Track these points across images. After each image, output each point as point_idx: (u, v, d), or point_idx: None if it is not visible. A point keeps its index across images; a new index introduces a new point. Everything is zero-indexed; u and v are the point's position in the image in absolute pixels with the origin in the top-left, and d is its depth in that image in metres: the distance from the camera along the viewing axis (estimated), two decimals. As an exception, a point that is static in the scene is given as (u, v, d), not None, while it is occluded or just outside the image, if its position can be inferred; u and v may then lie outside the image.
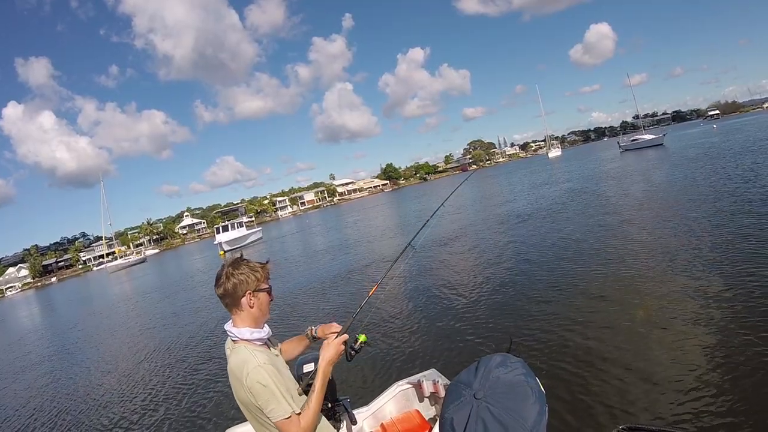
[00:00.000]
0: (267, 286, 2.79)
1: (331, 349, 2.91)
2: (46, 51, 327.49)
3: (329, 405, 3.16)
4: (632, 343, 7.88)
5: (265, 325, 2.85)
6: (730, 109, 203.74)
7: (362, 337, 3.19)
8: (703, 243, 12.87)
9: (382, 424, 4.57)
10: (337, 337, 3.02)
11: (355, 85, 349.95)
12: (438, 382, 4.62)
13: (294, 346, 3.39)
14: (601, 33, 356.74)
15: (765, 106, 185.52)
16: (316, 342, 3.29)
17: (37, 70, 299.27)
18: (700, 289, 9.60)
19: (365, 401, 4.76)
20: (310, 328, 3.40)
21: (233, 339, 2.73)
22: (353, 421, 3.56)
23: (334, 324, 3.30)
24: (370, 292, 3.75)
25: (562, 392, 6.68)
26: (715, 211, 16.64)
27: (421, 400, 4.83)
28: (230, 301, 2.67)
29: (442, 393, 4.48)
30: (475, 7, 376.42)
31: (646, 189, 27.07)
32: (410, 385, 4.87)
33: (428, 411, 4.70)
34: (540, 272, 13.37)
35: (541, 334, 9.04)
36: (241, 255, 2.85)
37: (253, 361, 2.52)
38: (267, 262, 2.91)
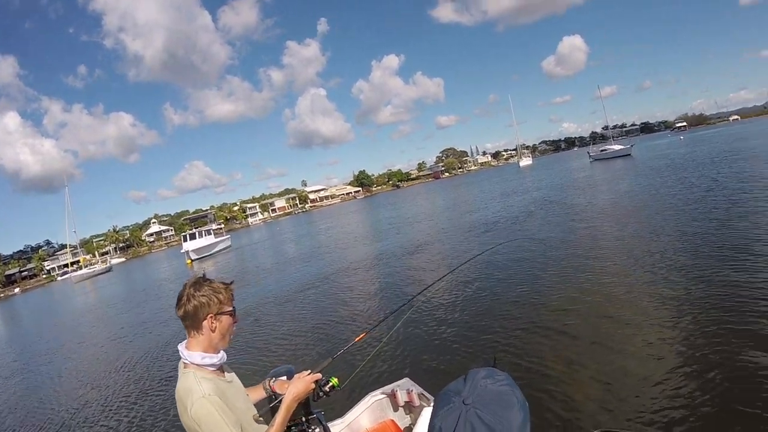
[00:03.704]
0: (230, 309, 2.68)
1: (300, 385, 2.86)
2: (13, 49, 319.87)
3: (303, 419, 3.09)
4: (606, 350, 8.07)
5: (222, 350, 2.74)
6: (697, 121, 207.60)
7: (334, 381, 3.12)
8: (668, 250, 13.30)
9: None
10: (310, 373, 2.99)
11: (329, 91, 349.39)
12: (412, 391, 4.63)
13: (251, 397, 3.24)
14: (573, 45, 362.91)
15: (731, 119, 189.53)
16: (275, 396, 3.16)
17: (2, 69, 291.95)
18: (669, 296, 9.90)
19: (339, 413, 4.69)
20: (268, 379, 3.30)
21: (184, 361, 2.62)
22: None
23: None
24: (357, 338, 3.71)
25: (543, 402, 6.78)
26: (679, 219, 17.22)
27: (395, 409, 4.81)
28: (191, 323, 2.56)
29: (417, 402, 4.55)
30: (450, 15, 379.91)
31: (613, 198, 27.65)
32: (384, 395, 4.84)
33: (403, 420, 4.71)
34: (512, 283, 13.46)
35: (521, 345, 9.11)
36: (204, 274, 2.74)
37: (198, 391, 2.41)
38: (231, 283, 2.79)
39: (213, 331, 2.59)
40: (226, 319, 2.65)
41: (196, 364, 2.56)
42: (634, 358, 7.61)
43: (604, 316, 9.59)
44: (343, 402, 6.61)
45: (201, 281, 2.63)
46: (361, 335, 3.77)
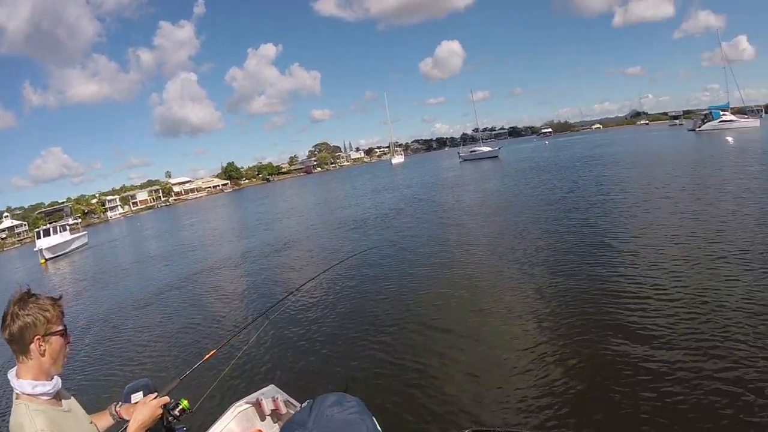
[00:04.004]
0: (60, 328, 2.30)
1: (146, 411, 2.60)
2: None
3: None
4: (476, 344, 8.19)
5: (56, 376, 2.36)
6: (562, 128, 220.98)
7: (184, 403, 2.87)
8: (531, 246, 13.91)
9: None
10: (156, 397, 2.74)
11: (201, 77, 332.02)
12: (277, 398, 4.54)
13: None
14: (451, 49, 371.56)
15: (593, 127, 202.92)
16: (122, 422, 2.83)
17: None
18: (532, 289, 10.39)
19: (204, 427, 4.49)
20: (115, 403, 2.96)
21: (15, 391, 2.25)
22: None
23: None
24: (206, 356, 3.55)
25: (415, 399, 6.65)
26: (541, 217, 18.15)
27: (262, 419, 4.66)
28: (18, 347, 2.20)
29: (284, 410, 4.45)
30: (332, 9, 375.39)
31: (480, 197, 28.68)
32: (249, 405, 4.70)
33: (271, 429, 4.56)
34: (380, 282, 13.26)
35: (391, 343, 8.94)
36: (29, 290, 2.33)
37: (30, 428, 2.11)
38: (59, 298, 2.39)
39: (42, 355, 2.24)
40: (56, 341, 2.30)
41: (28, 394, 2.22)
42: (502, 350, 7.79)
43: (472, 311, 9.75)
44: (207, 415, 6.20)
45: (26, 297, 2.27)
46: (212, 352, 3.68)
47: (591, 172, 31.82)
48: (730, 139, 43.49)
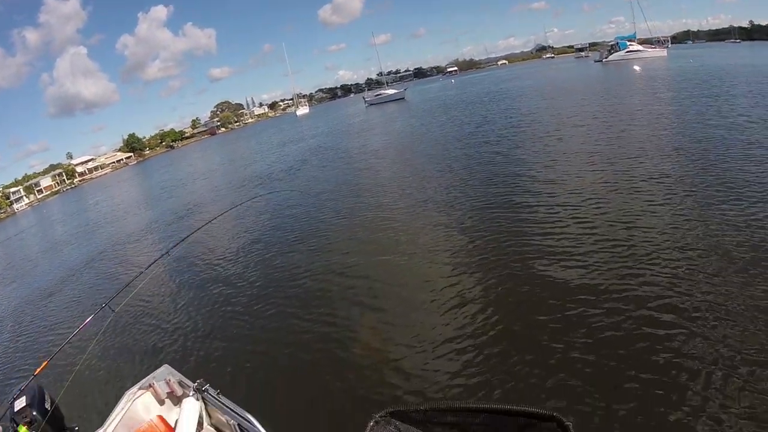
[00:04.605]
0: None
1: None
2: None
3: None
4: (384, 298, 7.78)
5: None
6: (467, 66, 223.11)
7: (23, 430, 2.84)
8: (441, 184, 13.59)
9: None
10: None
11: (91, 49, 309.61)
12: (171, 380, 4.45)
13: None
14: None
15: (499, 63, 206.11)
16: None
17: None
18: (442, 224, 10.24)
19: (100, 421, 4.10)
20: None
21: None
22: None
23: None
24: (36, 371, 3.48)
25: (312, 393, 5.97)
26: (450, 153, 17.88)
27: (161, 403, 4.52)
28: None
29: (179, 391, 4.41)
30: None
31: (387, 139, 28.23)
32: (143, 390, 4.50)
33: (171, 413, 4.37)
34: (282, 236, 12.77)
35: (279, 330, 8.11)
36: None
37: None
38: None
39: None
40: None
41: None
42: (421, 292, 7.52)
43: (385, 254, 9.42)
44: (100, 407, 6.20)
45: None
46: (43, 365, 3.58)
47: (499, 106, 31.91)
48: (637, 68, 44.69)
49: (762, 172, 9.68)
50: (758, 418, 4.06)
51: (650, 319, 5.61)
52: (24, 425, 3.07)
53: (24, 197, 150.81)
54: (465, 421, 1.77)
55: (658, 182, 10.15)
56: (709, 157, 11.31)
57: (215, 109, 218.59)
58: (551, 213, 9.57)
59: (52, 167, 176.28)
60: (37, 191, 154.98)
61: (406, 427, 1.90)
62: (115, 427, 4.10)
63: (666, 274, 6.49)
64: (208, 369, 7.05)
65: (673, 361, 4.90)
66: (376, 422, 1.88)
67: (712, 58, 39.87)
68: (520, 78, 66.39)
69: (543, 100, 31.32)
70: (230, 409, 3.90)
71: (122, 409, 4.27)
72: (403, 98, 75.03)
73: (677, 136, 13.81)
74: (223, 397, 4.06)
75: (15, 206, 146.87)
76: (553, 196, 10.51)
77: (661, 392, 4.55)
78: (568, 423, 1.51)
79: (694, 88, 23.69)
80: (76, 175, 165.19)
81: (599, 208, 9.37)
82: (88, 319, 4.45)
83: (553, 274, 7.09)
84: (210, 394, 4.12)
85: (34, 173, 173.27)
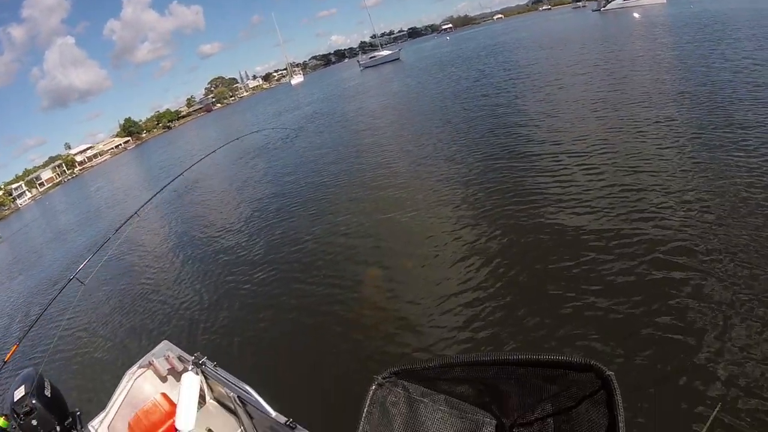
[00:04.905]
0: None
1: None
2: None
3: (58, 429, 2.90)
4: (393, 255, 7.73)
5: None
6: (462, 22, 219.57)
7: (1, 422, 2.79)
8: (441, 140, 13.39)
9: (129, 424, 4.11)
10: None
11: (78, 38, 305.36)
12: (170, 356, 4.39)
13: None
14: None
15: (495, 18, 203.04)
16: None
17: None
18: (444, 178, 10.15)
19: (102, 403, 4.15)
20: None
21: None
22: None
23: None
24: (6, 357, 3.48)
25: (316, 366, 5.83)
26: (449, 109, 17.59)
27: (163, 380, 4.52)
28: None
29: (180, 366, 4.31)
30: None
31: (383, 100, 27.94)
32: (144, 369, 4.51)
33: (173, 390, 4.32)
34: (274, 204, 12.85)
35: (280, 292, 8.09)
36: None
37: None
38: None
39: None
40: None
41: None
42: (424, 247, 7.50)
43: (386, 211, 9.39)
44: (103, 388, 6.08)
45: None
46: (13, 349, 3.57)
47: (496, 59, 31.43)
48: (637, 15, 43.89)
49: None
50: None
51: (663, 262, 5.45)
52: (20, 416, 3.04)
53: (26, 192, 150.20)
54: (479, 375, 1.61)
55: (665, 126, 9.89)
56: (716, 99, 10.96)
57: (209, 85, 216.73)
58: (556, 161, 9.38)
59: (52, 159, 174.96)
60: (39, 185, 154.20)
61: (415, 387, 1.76)
62: (118, 409, 4.11)
63: (677, 217, 6.31)
64: (210, 341, 7.01)
65: (690, 306, 4.74)
66: (380, 385, 1.75)
67: (712, 2, 39.18)
68: (517, 31, 65.40)
69: (541, 50, 30.70)
70: (229, 381, 3.84)
71: (124, 389, 4.26)
72: (398, 59, 74.35)
73: (681, 80, 13.42)
74: (220, 370, 4.01)
75: (18, 202, 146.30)
76: (558, 144, 10.31)
77: (679, 337, 4.39)
78: (609, 374, 1.29)
79: (696, 32, 23.10)
80: (76, 164, 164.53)
81: (605, 154, 9.16)
82: (56, 296, 4.64)
83: (560, 222, 6.95)
84: (208, 368, 4.06)
85: (34, 167, 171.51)
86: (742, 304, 4.59)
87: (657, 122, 10.20)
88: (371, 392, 1.71)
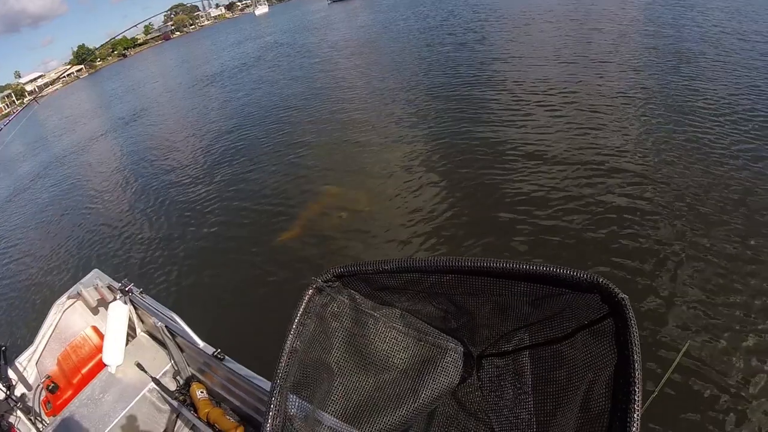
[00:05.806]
0: None
1: None
2: None
3: None
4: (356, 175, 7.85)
5: None
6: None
7: None
8: (405, 73, 13.34)
9: (58, 360, 3.98)
10: None
11: None
12: (99, 285, 4.22)
13: None
14: None
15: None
16: None
17: None
18: (407, 113, 10.08)
19: (30, 339, 4.05)
20: None
21: None
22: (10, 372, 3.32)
23: None
24: None
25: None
26: (415, 46, 17.36)
27: (94, 312, 4.38)
28: None
29: (109, 296, 4.11)
30: None
31: (347, 33, 27.55)
32: (73, 300, 4.34)
33: (104, 323, 4.04)
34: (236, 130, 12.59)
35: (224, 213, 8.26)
36: None
37: None
38: None
39: None
40: None
41: None
42: (380, 167, 7.72)
43: (345, 141, 9.43)
44: (29, 323, 6.05)
45: None
46: None
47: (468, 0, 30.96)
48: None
49: (732, 76, 9.26)
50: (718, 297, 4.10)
51: (619, 207, 5.48)
52: None
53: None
54: (447, 291, 1.22)
55: (630, 78, 9.87)
56: (682, 53, 10.98)
57: (169, 12, 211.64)
58: (517, 101, 9.32)
59: (0, 89, 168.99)
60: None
61: (364, 298, 1.39)
62: (46, 343, 4.02)
63: (636, 163, 6.36)
64: (142, 270, 6.83)
65: (643, 247, 4.80)
66: (318, 289, 1.36)
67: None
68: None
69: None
70: (157, 310, 3.66)
71: (52, 322, 4.13)
72: (367, -6, 73.12)
73: (651, 37, 13.30)
74: (148, 298, 3.83)
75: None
76: (519, 84, 10.24)
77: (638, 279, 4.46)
78: (623, 296, 0.97)
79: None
80: (26, 94, 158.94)
81: (566, 96, 9.12)
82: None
83: (515, 157, 7.00)
84: (135, 296, 3.87)
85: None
86: (699, 249, 4.69)
87: (621, 71, 10.24)
88: (306, 297, 1.34)
